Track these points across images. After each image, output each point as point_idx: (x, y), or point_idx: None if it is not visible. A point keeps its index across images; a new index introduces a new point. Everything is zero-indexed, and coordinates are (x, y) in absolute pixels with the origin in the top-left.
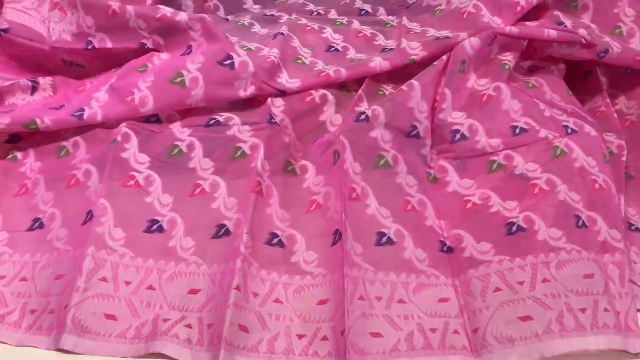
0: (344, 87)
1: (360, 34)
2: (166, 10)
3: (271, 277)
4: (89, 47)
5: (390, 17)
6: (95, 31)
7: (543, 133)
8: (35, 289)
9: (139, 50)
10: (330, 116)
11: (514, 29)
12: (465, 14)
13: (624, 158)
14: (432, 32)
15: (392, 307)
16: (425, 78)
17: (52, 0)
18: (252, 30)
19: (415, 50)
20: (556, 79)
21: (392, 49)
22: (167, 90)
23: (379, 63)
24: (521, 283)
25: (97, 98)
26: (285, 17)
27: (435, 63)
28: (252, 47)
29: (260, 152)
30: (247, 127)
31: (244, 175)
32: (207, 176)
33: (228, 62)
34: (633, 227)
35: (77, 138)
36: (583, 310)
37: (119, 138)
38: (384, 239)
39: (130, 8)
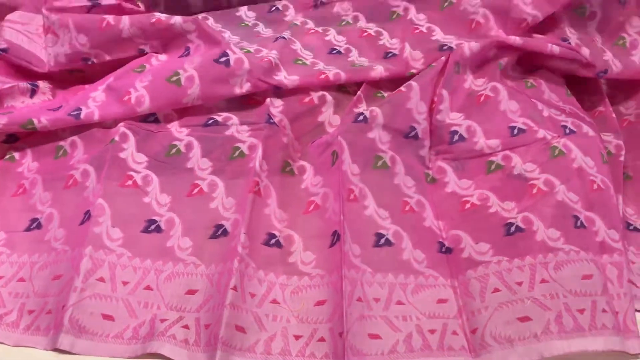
0: (342, 88)
1: (365, 34)
2: (160, 15)
3: (268, 278)
4: (87, 63)
5: (398, 3)
6: (90, 48)
7: (541, 133)
8: (33, 290)
9: (139, 56)
10: (329, 117)
11: (518, 40)
12: (473, 24)
13: (622, 158)
14: (437, 34)
15: (390, 309)
16: (423, 79)
17: (44, 25)
18: (255, 30)
19: (417, 62)
20: (555, 79)
21: (394, 55)
22: (163, 89)
23: (379, 73)
24: (520, 284)
25: (94, 97)
26: (290, 12)
27: (434, 64)
28: (251, 50)
29: (259, 153)
30: (245, 127)
31: (242, 175)
32: (205, 176)
33: (223, 59)
34: (631, 227)
35: (75, 138)
36: (582, 311)
37: (116, 138)
38: (382, 240)
39: (124, 18)
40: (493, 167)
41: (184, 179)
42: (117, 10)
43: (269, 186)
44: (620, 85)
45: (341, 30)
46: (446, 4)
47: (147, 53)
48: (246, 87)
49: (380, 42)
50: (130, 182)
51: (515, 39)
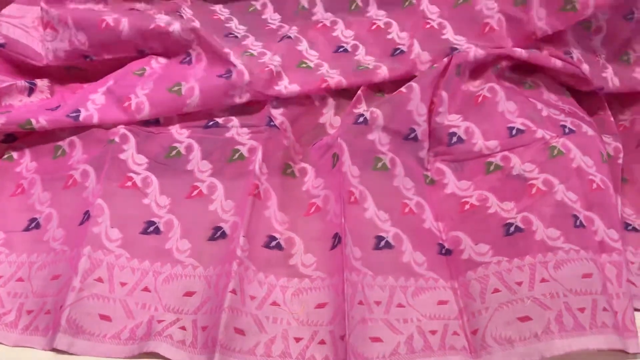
0: (344, 89)
1: (374, 26)
2: (161, 20)
3: (269, 280)
4: (87, 59)
5: None
6: (89, 47)
7: (540, 133)
8: (31, 290)
9: (139, 56)
10: (330, 118)
11: (524, 54)
12: (487, 28)
13: (620, 160)
14: (447, 33)
15: (391, 312)
16: (424, 80)
17: (44, 20)
18: (263, 17)
19: (424, 64)
20: (554, 81)
21: (402, 53)
22: (164, 97)
23: (382, 76)
24: (520, 283)
25: (93, 100)
26: None
27: (436, 65)
28: (255, 53)
29: (259, 155)
30: (245, 130)
31: (242, 177)
32: (205, 178)
33: (226, 75)
34: (630, 227)
35: (74, 138)
36: (582, 309)
37: (117, 139)
38: (382, 243)
39: (124, 20)
40: (492, 167)
41: (184, 181)
42: None
43: (269, 189)
44: (617, 93)
45: (350, 20)
46: (461, 1)
47: (146, 53)
48: (245, 97)
49: (389, 36)
50: (129, 183)
51: (522, 53)
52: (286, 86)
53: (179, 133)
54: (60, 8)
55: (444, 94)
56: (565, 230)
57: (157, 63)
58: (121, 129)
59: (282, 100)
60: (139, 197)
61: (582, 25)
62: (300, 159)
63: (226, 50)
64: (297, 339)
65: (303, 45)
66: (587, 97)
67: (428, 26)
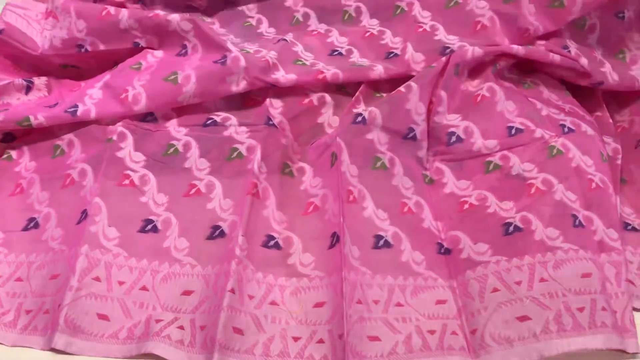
0: (342, 89)
1: (367, 34)
2: (159, 11)
3: (267, 280)
4: (81, 50)
5: None
6: (86, 35)
7: (539, 133)
8: (30, 289)
9: (133, 50)
10: (328, 118)
11: (521, 50)
12: (479, 26)
13: (619, 161)
14: (440, 34)
15: (389, 311)
16: (423, 80)
17: (47, 9)
18: (258, 31)
19: (418, 65)
20: (554, 81)
21: (396, 55)
22: (160, 87)
23: (378, 73)
24: (519, 283)
25: (90, 95)
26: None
27: (434, 64)
28: (251, 51)
29: (257, 154)
30: (244, 128)
31: (240, 176)
32: (203, 176)
33: (221, 60)
34: (629, 227)
35: (72, 137)
36: (581, 309)
37: (114, 137)
38: (381, 242)
39: (124, 10)
40: (491, 167)
41: (182, 179)
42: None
43: (268, 188)
44: (615, 93)
45: (344, 29)
46: (452, 3)
47: (142, 47)
48: (242, 85)
49: (383, 42)
50: (127, 182)
51: (519, 49)
52: (283, 75)
53: (177, 131)
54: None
55: (443, 94)
56: (565, 229)
57: (153, 57)
58: (119, 127)
59: (281, 98)
60: (137, 195)
61: (576, 24)
62: (298, 159)
63: (223, 38)
64: (296, 339)
65: (298, 47)
66: (584, 98)
67: (421, 30)
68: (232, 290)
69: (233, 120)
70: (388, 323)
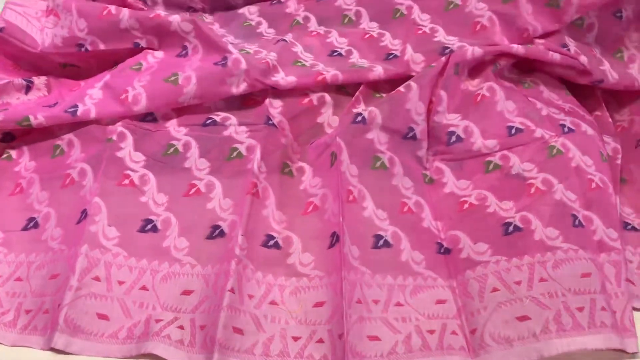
0: (342, 89)
1: (367, 35)
2: (160, 11)
3: (267, 279)
4: (82, 49)
5: (402, 1)
6: (87, 34)
7: (539, 133)
8: (30, 289)
9: (134, 50)
10: (328, 118)
11: (521, 49)
12: (478, 26)
13: (618, 161)
14: (439, 36)
15: (389, 310)
16: (423, 80)
17: (48, 7)
18: (258, 30)
19: (418, 65)
20: (554, 80)
21: (396, 57)
22: (160, 88)
23: (378, 74)
24: (518, 283)
25: (90, 95)
26: (292, 3)
27: (434, 64)
28: (250, 51)
29: (257, 154)
30: (244, 128)
31: (240, 176)
32: (203, 176)
33: (222, 62)
34: (629, 227)
35: (72, 136)
36: (580, 309)
37: (114, 137)
38: (381, 242)
39: (125, 9)
40: (491, 167)
41: (182, 179)
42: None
43: (268, 187)
44: (614, 93)
45: (343, 31)
46: (451, 5)
47: (142, 48)
48: (243, 87)
49: (382, 44)
50: (127, 181)
51: (518, 49)
52: (283, 77)
53: (177, 131)
54: None
55: (443, 93)
56: (564, 229)
57: (153, 58)
58: (119, 127)
59: (280, 98)
60: (137, 195)
61: (574, 23)
62: (298, 158)
63: (223, 40)
64: (296, 338)
65: (298, 48)
66: (584, 98)
67: (420, 32)
68: (232, 290)
69: (233, 120)
70: (388, 323)
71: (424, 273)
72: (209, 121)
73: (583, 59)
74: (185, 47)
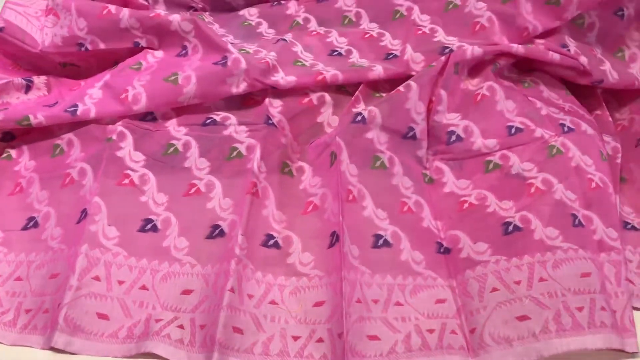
0: (342, 88)
1: (367, 35)
2: (160, 11)
3: (267, 279)
4: (82, 49)
5: (401, 2)
6: (87, 33)
7: (539, 132)
8: (30, 289)
9: (133, 50)
10: (328, 117)
11: (520, 49)
12: (477, 26)
13: (618, 160)
14: (439, 36)
15: (389, 310)
16: (422, 79)
17: (48, 6)
18: (258, 30)
19: (417, 64)
20: (553, 80)
21: (395, 57)
22: (160, 87)
23: (378, 74)
24: (518, 283)
25: (90, 94)
26: (292, 4)
27: (434, 64)
28: (250, 51)
29: (257, 153)
30: (243, 128)
31: (240, 176)
32: (203, 176)
33: (222, 61)
34: (629, 226)
35: (71, 136)
36: (580, 309)
37: (114, 137)
38: (381, 241)
39: (125, 9)
40: (491, 166)
41: (181, 179)
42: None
43: (267, 187)
44: (614, 92)
45: (343, 31)
46: (451, 6)
47: (142, 47)
48: (242, 87)
49: (382, 43)
50: (127, 181)
51: (518, 48)
52: (283, 77)
53: (177, 130)
54: None
55: (443, 93)
56: (564, 229)
57: (153, 57)
58: (119, 127)
59: (280, 98)
60: (137, 195)
61: (575, 22)
62: (297, 158)
63: (223, 39)
64: (295, 338)
65: (298, 48)
66: (584, 97)
67: (420, 32)
68: (232, 290)
69: (232, 119)
70: (387, 322)
71: (424, 273)
72: (208, 121)
73: (583, 59)
74: (185, 47)
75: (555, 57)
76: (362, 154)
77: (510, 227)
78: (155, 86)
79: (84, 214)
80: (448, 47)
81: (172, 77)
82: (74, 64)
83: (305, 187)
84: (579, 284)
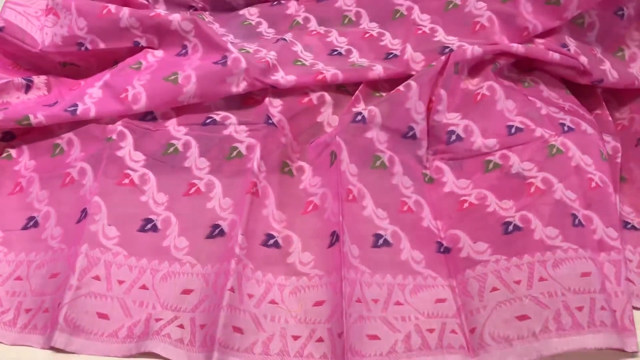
0: (342, 88)
1: (367, 35)
2: (160, 11)
3: (267, 279)
4: (81, 48)
5: (401, 2)
6: (87, 33)
7: (539, 132)
8: (30, 288)
9: (133, 49)
10: (328, 117)
11: (520, 49)
12: (477, 26)
13: (618, 160)
14: (439, 35)
15: (389, 310)
16: (422, 79)
17: (48, 6)
18: (258, 30)
19: (417, 64)
20: (553, 79)
21: (395, 56)
22: (160, 87)
23: (378, 73)
24: (518, 282)
25: (90, 94)
26: (292, 3)
27: (434, 63)
28: (250, 50)
29: (257, 153)
30: (243, 127)
31: (240, 175)
32: (203, 176)
33: (222, 61)
34: (629, 226)
35: (71, 135)
36: (580, 308)
37: (114, 136)
38: (381, 241)
39: (125, 8)
40: (491, 166)
41: (181, 178)
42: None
43: (267, 187)
44: (614, 91)
45: (343, 31)
46: (451, 5)
47: (142, 47)
48: (242, 86)
49: (382, 43)
50: (127, 181)
51: (518, 48)
52: (283, 76)
53: (177, 130)
54: None
55: (443, 92)
56: (564, 229)
57: (153, 57)
58: (119, 127)
59: (280, 97)
60: (137, 195)
61: (575, 22)
62: (297, 157)
63: (223, 39)
64: (295, 337)
65: (298, 47)
66: (584, 97)
67: (420, 32)
68: (232, 289)
69: (232, 119)
70: (387, 322)
71: (424, 272)
72: (208, 120)
73: (583, 59)
74: (185, 46)
75: (555, 56)
76: (362, 154)
77: (510, 227)
78: (155, 86)
79: (84, 213)
80: (448, 47)
81: (172, 77)
82: (73, 63)
83: (305, 187)
84: (579, 283)
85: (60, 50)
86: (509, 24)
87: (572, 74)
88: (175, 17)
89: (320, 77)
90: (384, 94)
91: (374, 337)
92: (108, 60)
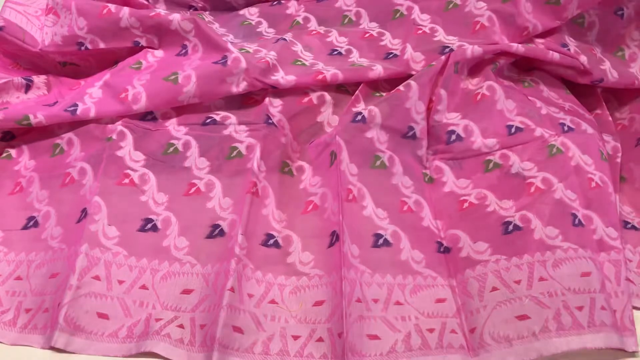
0: (341, 87)
1: (367, 35)
2: (160, 11)
3: (267, 278)
4: (81, 48)
5: (401, 2)
6: (87, 32)
7: (539, 132)
8: (30, 288)
9: (133, 49)
10: (328, 117)
11: (520, 48)
12: (478, 26)
13: (618, 160)
14: (439, 35)
15: (389, 309)
16: (422, 79)
17: (48, 5)
18: (258, 30)
19: (417, 64)
20: (553, 79)
21: (395, 56)
22: (160, 86)
23: (378, 73)
24: (518, 282)
25: (90, 94)
26: (292, 3)
27: (434, 63)
28: (250, 50)
29: (257, 153)
30: (243, 127)
31: (240, 175)
32: (203, 175)
33: (222, 61)
34: (629, 226)
35: (71, 135)
36: (580, 308)
37: (114, 136)
38: (381, 241)
39: (125, 8)
40: (491, 166)
41: (181, 178)
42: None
43: (267, 187)
44: (615, 91)
45: (343, 31)
46: (451, 5)
47: (142, 46)
48: (242, 86)
49: (382, 43)
50: (127, 181)
51: (518, 48)
52: (283, 76)
53: (177, 130)
54: None
55: (443, 92)
56: (564, 228)
57: (153, 57)
58: (118, 126)
59: (280, 97)
60: (137, 195)
61: (575, 22)
62: (297, 157)
63: (223, 39)
64: (295, 337)
65: (298, 47)
66: (584, 97)
67: (420, 32)
68: (232, 289)
69: (232, 119)
70: (387, 322)
71: (424, 272)
72: (208, 120)
73: (583, 58)
74: (185, 46)
75: (555, 56)
76: (362, 153)
77: (510, 227)
78: (155, 85)
79: (84, 213)
80: (448, 47)
81: (172, 77)
82: (73, 63)
83: (305, 187)
84: (579, 283)
85: (60, 50)
86: (509, 24)
87: (572, 73)
88: (175, 17)
89: (320, 77)
90: (384, 94)
91: (374, 337)
92: (108, 60)
